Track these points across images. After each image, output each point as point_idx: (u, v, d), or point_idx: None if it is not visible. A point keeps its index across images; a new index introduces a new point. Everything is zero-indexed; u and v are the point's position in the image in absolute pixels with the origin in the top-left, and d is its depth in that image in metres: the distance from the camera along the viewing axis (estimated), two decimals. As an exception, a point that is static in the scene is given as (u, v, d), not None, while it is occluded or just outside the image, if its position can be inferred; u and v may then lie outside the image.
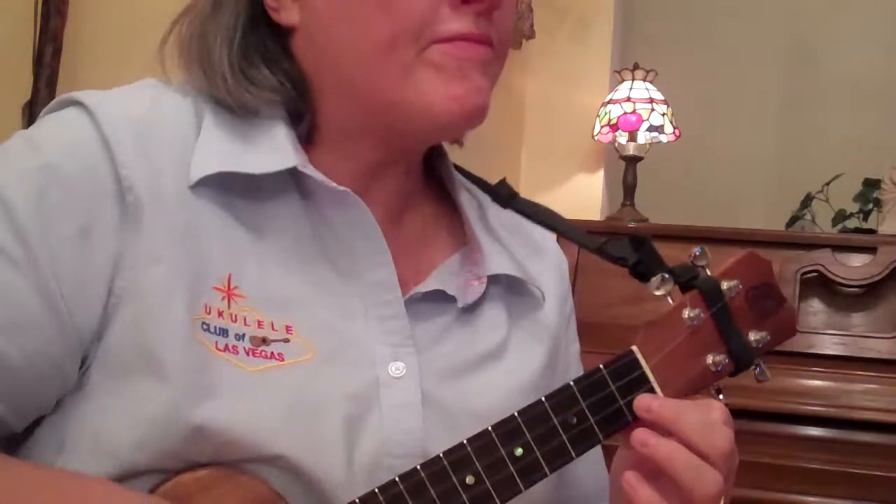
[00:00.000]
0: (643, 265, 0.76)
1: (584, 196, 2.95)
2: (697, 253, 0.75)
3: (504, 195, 0.84)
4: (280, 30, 0.77)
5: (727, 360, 0.75)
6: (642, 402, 0.71)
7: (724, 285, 0.75)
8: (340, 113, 0.77)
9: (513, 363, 0.82)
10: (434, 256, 0.83)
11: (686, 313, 0.74)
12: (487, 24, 0.74)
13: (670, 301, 0.75)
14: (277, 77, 0.76)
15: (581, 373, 0.93)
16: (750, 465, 1.85)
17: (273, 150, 0.74)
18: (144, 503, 0.65)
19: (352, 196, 0.74)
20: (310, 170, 0.74)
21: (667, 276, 0.74)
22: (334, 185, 0.74)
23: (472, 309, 0.81)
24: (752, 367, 0.76)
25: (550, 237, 0.91)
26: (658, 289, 0.74)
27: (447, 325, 0.80)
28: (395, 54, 0.72)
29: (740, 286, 0.75)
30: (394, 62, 0.72)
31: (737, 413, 2.07)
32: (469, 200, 0.86)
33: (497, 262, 0.83)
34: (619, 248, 0.78)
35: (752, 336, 0.75)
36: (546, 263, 0.89)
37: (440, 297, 0.80)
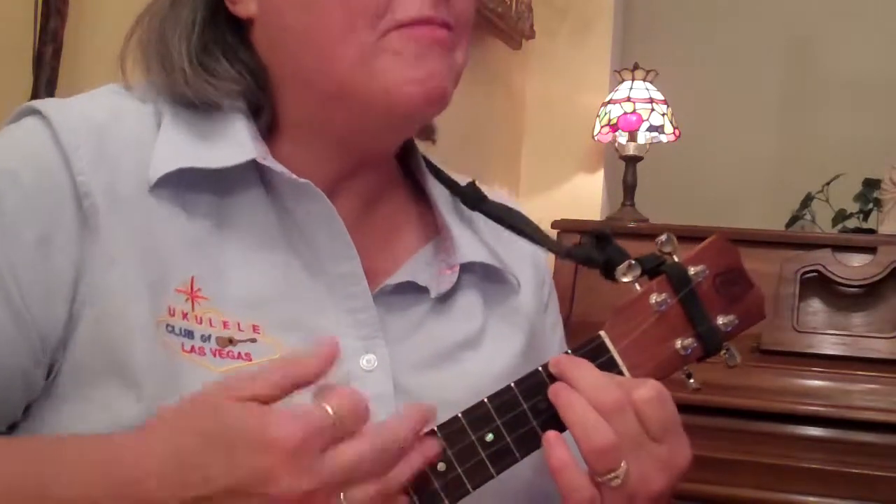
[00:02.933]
0: (612, 263, 0.76)
1: (584, 196, 2.95)
2: (664, 240, 0.75)
3: (472, 198, 0.84)
4: (239, 22, 0.77)
5: (696, 344, 0.75)
6: (554, 358, 0.72)
7: (691, 270, 0.75)
8: (299, 104, 0.77)
9: (489, 351, 0.82)
10: (406, 247, 0.83)
11: (653, 298, 0.74)
12: (446, 9, 0.74)
13: (638, 288, 0.75)
14: (236, 68, 0.76)
15: None
16: (750, 465, 1.86)
17: (232, 143, 0.74)
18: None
19: (312, 188, 0.74)
20: (269, 161, 0.74)
21: (633, 262, 0.74)
22: (294, 176, 0.73)
23: (446, 298, 0.81)
24: (722, 351, 0.76)
25: None
26: (625, 275, 0.74)
27: (421, 316, 0.80)
28: (352, 40, 0.72)
29: (707, 271, 0.75)
30: (350, 48, 0.72)
31: (737, 413, 2.08)
32: (441, 190, 0.86)
33: (470, 250, 0.83)
34: (587, 250, 0.79)
35: (721, 320, 0.75)
36: (521, 249, 0.89)
37: (412, 289, 0.80)
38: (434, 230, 0.85)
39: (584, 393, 0.69)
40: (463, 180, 0.87)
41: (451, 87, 0.75)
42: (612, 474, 0.67)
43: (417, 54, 0.72)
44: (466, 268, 0.82)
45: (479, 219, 0.87)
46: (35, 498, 0.60)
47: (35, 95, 1.42)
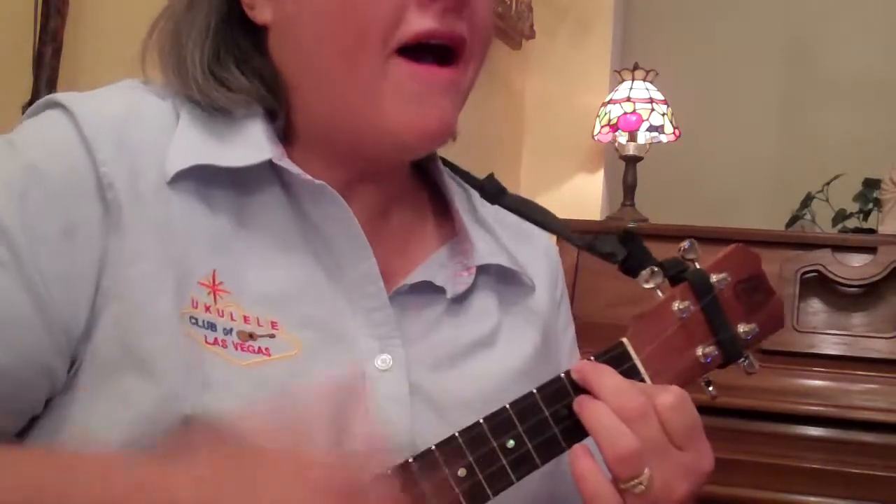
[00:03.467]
0: (632, 260, 0.77)
1: (584, 196, 2.95)
2: (686, 246, 0.75)
3: (492, 191, 0.84)
4: (255, 27, 0.77)
5: (717, 352, 0.75)
6: (576, 365, 0.72)
7: (714, 278, 0.75)
8: (308, 112, 0.77)
9: (503, 350, 0.82)
10: (422, 249, 0.83)
11: (676, 305, 0.74)
12: (455, 20, 0.74)
13: (660, 294, 0.75)
14: (248, 77, 0.77)
15: (577, 359, 0.92)
16: (750, 465, 1.86)
17: (248, 144, 0.74)
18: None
19: (329, 190, 0.74)
20: (286, 162, 0.74)
21: (656, 269, 0.74)
22: (310, 178, 0.74)
23: (461, 299, 0.82)
24: (742, 359, 0.76)
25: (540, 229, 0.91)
26: (647, 282, 0.75)
27: (437, 316, 0.80)
28: (363, 57, 0.73)
29: (729, 279, 0.75)
30: (360, 67, 0.73)
31: (737, 413, 2.08)
32: (458, 192, 0.87)
33: (486, 253, 0.83)
34: (608, 244, 0.79)
35: (742, 328, 0.76)
36: (535, 250, 0.90)
37: (429, 289, 0.80)
38: (450, 232, 0.85)
39: (608, 400, 0.69)
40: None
41: (454, 119, 0.76)
42: (636, 481, 0.67)
43: (418, 96, 0.73)
44: (482, 269, 0.83)
45: (493, 220, 0.87)
46: None
47: (35, 95, 1.42)
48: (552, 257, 0.93)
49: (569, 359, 0.92)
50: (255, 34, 0.78)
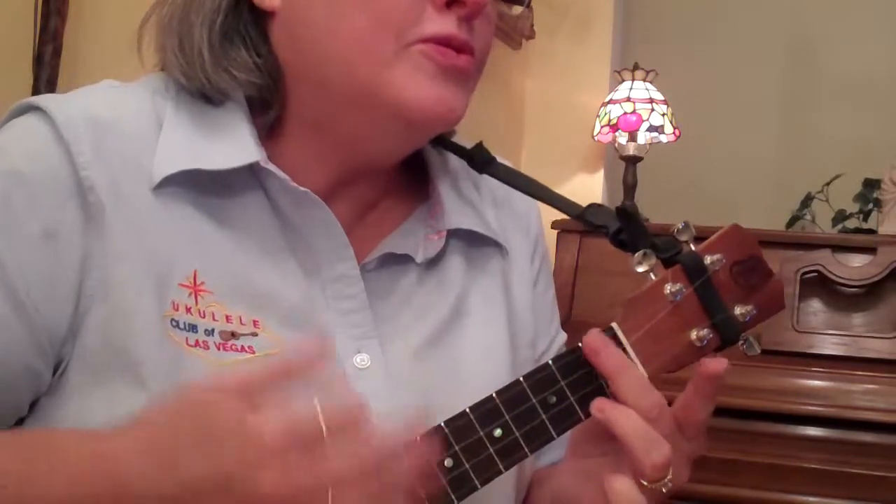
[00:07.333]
0: (626, 235, 0.75)
1: (584, 196, 2.91)
2: (680, 227, 0.74)
3: (480, 160, 0.83)
4: (261, 15, 0.77)
5: (712, 335, 0.73)
6: (593, 344, 0.70)
7: (708, 259, 0.73)
8: (311, 103, 0.76)
9: (478, 320, 0.82)
10: (393, 222, 0.83)
11: (668, 288, 0.72)
12: (469, 31, 0.74)
13: (653, 277, 0.73)
14: (255, 60, 0.76)
15: (556, 328, 0.93)
16: (749, 464, 1.86)
17: (234, 144, 0.74)
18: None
19: (312, 197, 0.74)
20: (272, 167, 0.74)
21: (648, 251, 0.73)
22: (295, 185, 0.74)
23: (433, 264, 0.82)
24: (740, 341, 0.74)
25: (521, 195, 0.88)
26: (640, 264, 0.73)
27: (410, 286, 0.80)
28: (375, 47, 0.72)
29: (724, 260, 0.73)
30: (372, 54, 0.72)
31: (737, 413, 2.08)
32: (437, 158, 0.86)
33: (458, 217, 0.83)
34: (601, 215, 0.78)
35: (738, 310, 0.73)
36: (512, 220, 0.89)
37: (398, 260, 0.80)
38: (424, 197, 0.84)
39: (629, 401, 0.69)
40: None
41: (463, 109, 0.76)
42: (664, 481, 0.68)
43: (435, 75, 0.72)
44: (453, 234, 0.82)
45: (473, 188, 0.87)
46: (15, 495, 0.59)
47: (35, 95, 1.42)
48: (532, 228, 0.92)
49: (549, 323, 0.92)
50: (260, 23, 0.77)
